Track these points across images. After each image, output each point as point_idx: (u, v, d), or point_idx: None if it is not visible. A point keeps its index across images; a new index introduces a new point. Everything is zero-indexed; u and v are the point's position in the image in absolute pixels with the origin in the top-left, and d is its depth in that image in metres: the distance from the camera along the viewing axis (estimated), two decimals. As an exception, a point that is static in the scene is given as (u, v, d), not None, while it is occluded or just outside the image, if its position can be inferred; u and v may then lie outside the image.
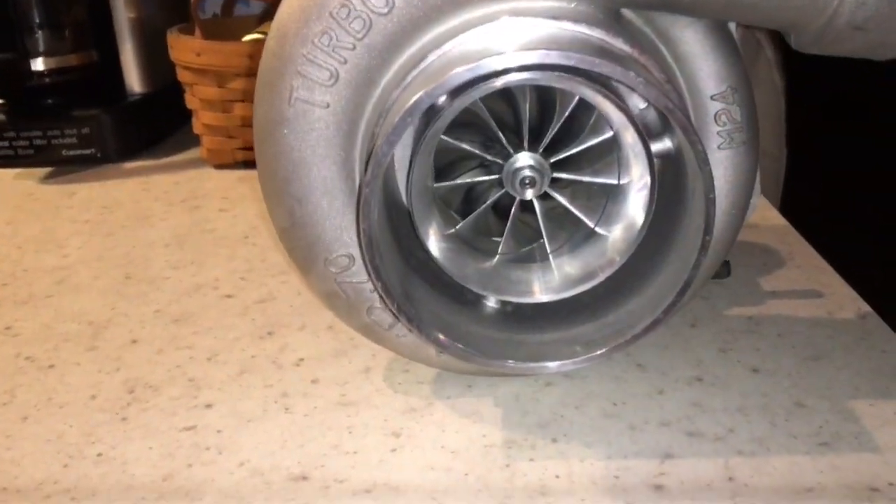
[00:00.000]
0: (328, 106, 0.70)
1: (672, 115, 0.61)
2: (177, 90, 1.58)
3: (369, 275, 0.67)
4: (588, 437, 0.77)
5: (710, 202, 0.63)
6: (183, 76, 1.53)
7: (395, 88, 0.68)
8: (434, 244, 0.75)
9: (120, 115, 1.59)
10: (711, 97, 0.75)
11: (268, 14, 1.69)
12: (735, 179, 0.77)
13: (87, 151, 1.56)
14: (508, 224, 0.75)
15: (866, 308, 0.98)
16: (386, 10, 0.66)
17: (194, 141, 1.60)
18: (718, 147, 0.76)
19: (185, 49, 1.47)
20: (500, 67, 0.60)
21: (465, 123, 0.75)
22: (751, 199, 0.80)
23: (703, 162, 0.62)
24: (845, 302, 1.00)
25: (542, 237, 0.77)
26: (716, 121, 0.75)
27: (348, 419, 0.81)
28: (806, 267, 1.09)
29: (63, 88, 1.56)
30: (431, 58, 0.66)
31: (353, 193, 0.73)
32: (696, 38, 0.73)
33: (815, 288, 1.03)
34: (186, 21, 1.61)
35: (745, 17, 0.68)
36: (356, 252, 0.74)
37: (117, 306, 1.06)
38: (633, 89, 0.61)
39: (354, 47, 0.68)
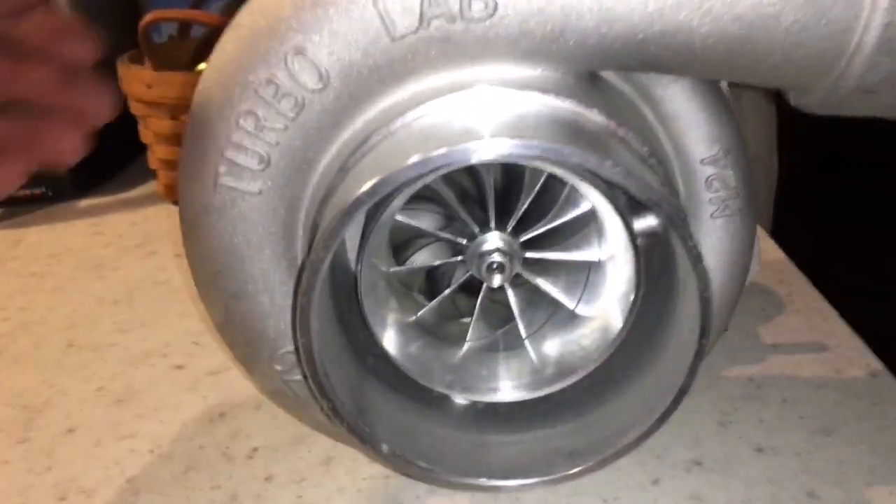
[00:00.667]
0: (260, 193, 0.60)
1: (658, 208, 0.51)
2: (132, 119, 1.47)
3: (312, 393, 0.58)
4: (575, 549, 0.68)
5: (706, 303, 0.54)
6: (135, 108, 1.42)
7: (336, 174, 0.58)
8: (392, 339, 0.66)
9: (70, 150, 1.48)
10: (701, 161, 0.65)
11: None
12: (731, 249, 0.68)
13: (38, 190, 1.46)
14: (476, 310, 0.66)
15: (876, 364, 0.90)
16: (320, 87, 0.56)
17: (152, 172, 1.50)
18: (711, 216, 0.66)
19: (135, 81, 1.36)
20: (457, 159, 0.50)
21: (424, 196, 0.66)
22: (749, 267, 0.71)
23: (696, 260, 0.53)
24: (853, 356, 0.91)
25: (509, 321, 0.68)
26: (707, 187, 0.66)
27: (305, 529, 0.72)
28: (806, 311, 1.00)
29: (7, 121, 1.45)
30: (377, 137, 0.57)
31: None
32: (683, 95, 0.63)
33: (819, 339, 0.94)
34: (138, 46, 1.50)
35: (740, 77, 0.59)
36: (304, 348, 0.65)
37: (56, 383, 0.96)
38: (609, 181, 0.51)
39: (286, 128, 0.58)
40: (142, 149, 1.52)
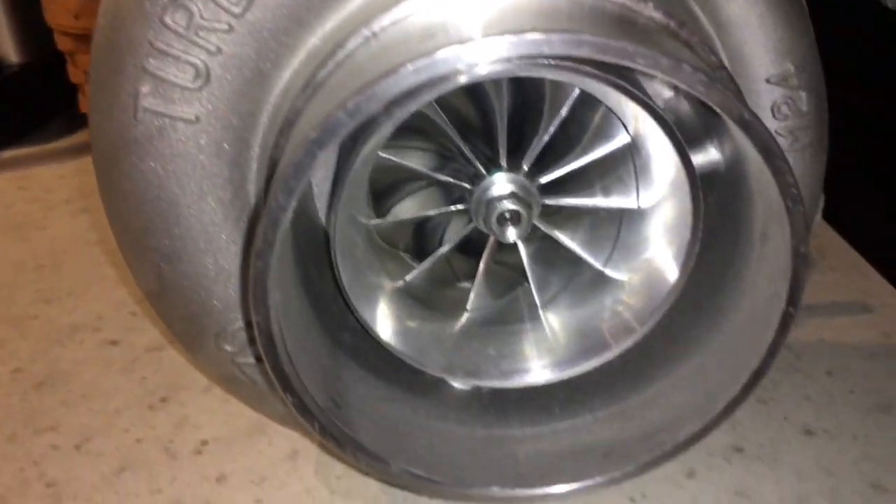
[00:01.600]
0: (197, 120, 0.45)
1: (749, 128, 0.37)
2: (60, 60, 1.29)
3: (275, 385, 0.43)
4: (602, 564, 0.55)
5: (800, 259, 0.41)
6: (61, 43, 1.24)
7: (301, 92, 0.43)
8: (375, 311, 0.51)
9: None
10: (768, 80, 0.51)
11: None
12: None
13: (-49, 140, 1.27)
14: (480, 273, 0.52)
15: (928, 325, 0.78)
16: (276, -33, 0.41)
17: (84, 121, 1.32)
18: (777, 151, 0.52)
19: (61, 11, 1.19)
20: (463, 64, 0.35)
21: (412, 129, 0.51)
22: (815, 217, 0.57)
23: (795, 201, 0.39)
24: (901, 318, 0.79)
25: (525, 281, 0.54)
26: (773, 113, 0.52)
27: (267, 545, 0.58)
28: (843, 269, 0.88)
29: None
30: (355, 42, 0.42)
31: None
32: (748, -5, 0.49)
33: (860, 299, 0.82)
34: (64, -28, 1.31)
35: None
36: (261, 323, 0.50)
37: (-37, 364, 0.80)
38: (682, 89, 0.37)
39: (231, 28, 0.42)
40: (72, 92, 1.34)
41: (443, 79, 0.37)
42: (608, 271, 0.53)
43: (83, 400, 0.74)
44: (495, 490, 0.48)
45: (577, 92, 0.46)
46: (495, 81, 0.48)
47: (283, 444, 0.67)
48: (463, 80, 0.38)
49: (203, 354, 0.53)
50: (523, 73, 0.41)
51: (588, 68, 0.41)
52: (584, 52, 0.35)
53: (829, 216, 0.93)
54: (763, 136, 0.37)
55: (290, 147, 0.40)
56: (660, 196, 0.49)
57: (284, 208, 0.38)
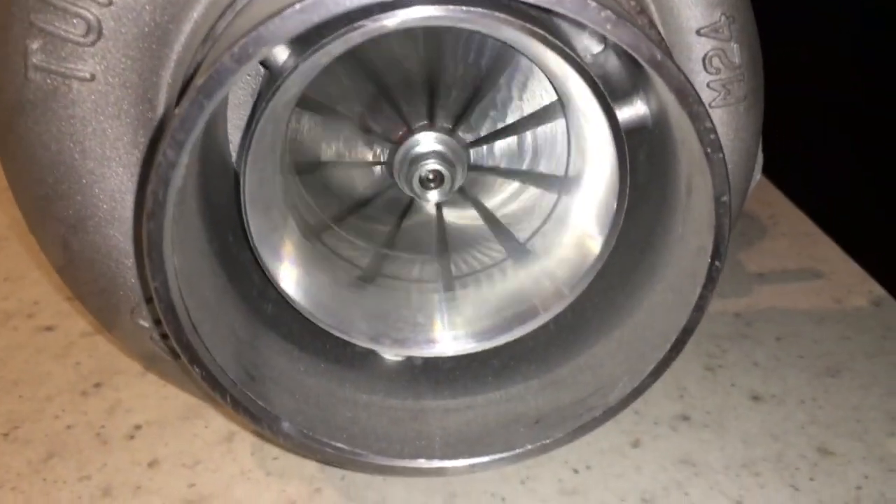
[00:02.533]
0: (92, 78, 0.42)
1: (662, 70, 0.36)
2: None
3: (178, 357, 0.41)
4: (543, 536, 0.53)
5: (722, 209, 0.39)
6: None
7: (202, 45, 0.41)
8: (294, 279, 0.49)
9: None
10: (698, 31, 0.49)
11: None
12: (732, 149, 0.52)
13: None
14: (401, 238, 0.50)
15: (878, 290, 0.77)
16: None
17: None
18: (709, 105, 0.51)
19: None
20: (355, 3, 0.33)
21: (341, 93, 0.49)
22: (753, 173, 0.56)
23: (714, 148, 0.37)
24: (852, 283, 0.78)
25: (450, 249, 0.52)
26: (705, 66, 0.50)
27: (197, 529, 0.56)
28: (794, 235, 0.87)
29: None
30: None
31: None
32: (675, -61, 0.47)
33: (811, 265, 0.81)
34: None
35: None
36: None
37: None
38: (595, 30, 0.35)
39: (121, -24, 0.40)
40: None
41: (335, 21, 0.34)
42: (534, 243, 0.51)
43: (14, 386, 0.71)
44: (422, 462, 0.46)
45: (492, 50, 0.44)
46: (423, 34, 0.45)
47: (220, 426, 0.65)
48: (370, 27, 0.36)
49: (120, 331, 0.51)
50: (421, 22, 0.39)
51: (500, 14, 0.39)
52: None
53: (779, 182, 0.92)
54: (676, 78, 0.36)
55: (180, 105, 0.38)
56: (589, 158, 0.48)
57: (174, 164, 0.35)
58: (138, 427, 0.66)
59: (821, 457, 0.59)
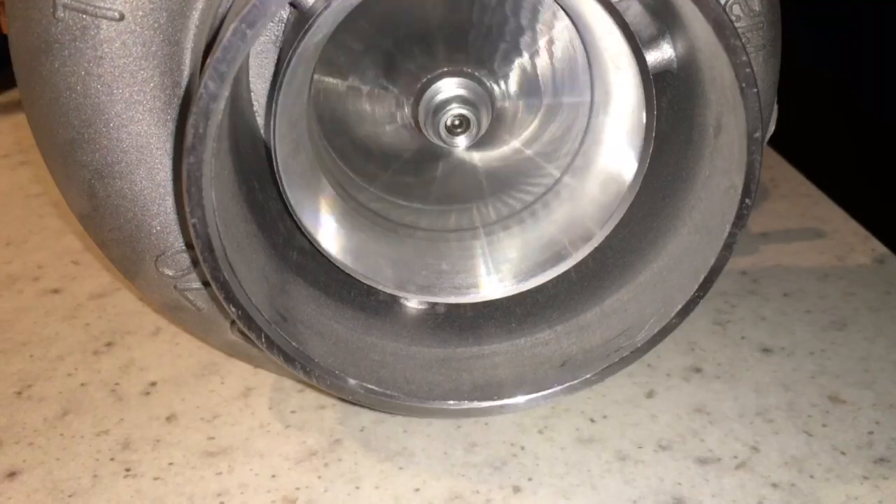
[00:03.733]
0: (121, 18, 0.42)
1: (700, 2, 0.36)
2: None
3: (217, 295, 0.41)
4: (563, 481, 0.54)
5: (755, 145, 0.39)
6: (-8, -8, 1.18)
7: (233, -18, 0.41)
8: (323, 227, 0.49)
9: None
10: (720, -22, 0.50)
11: None
12: (750, 99, 0.53)
13: None
14: (429, 187, 0.50)
15: (881, 248, 0.78)
16: None
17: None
18: (730, 53, 0.51)
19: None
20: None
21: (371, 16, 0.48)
22: (770, 122, 0.56)
23: (749, 82, 0.38)
24: (854, 241, 0.80)
25: (477, 197, 0.52)
26: (726, 14, 0.51)
27: (219, 480, 0.56)
28: (794, 196, 0.88)
29: None
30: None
31: (186, 157, 0.46)
32: None
33: (813, 225, 0.82)
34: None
35: None
36: (203, 245, 0.48)
37: None
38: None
39: (153, -89, 0.40)
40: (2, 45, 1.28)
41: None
42: (568, 178, 0.51)
43: (23, 347, 0.71)
44: (451, 403, 0.46)
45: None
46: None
47: (236, 382, 0.65)
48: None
49: (143, 280, 0.51)
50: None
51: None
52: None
53: (780, 146, 0.93)
54: (715, 10, 0.36)
55: (218, 41, 0.38)
56: (612, 98, 0.48)
57: (216, 96, 0.35)
58: (153, 384, 0.66)
59: (832, 404, 0.60)
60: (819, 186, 0.89)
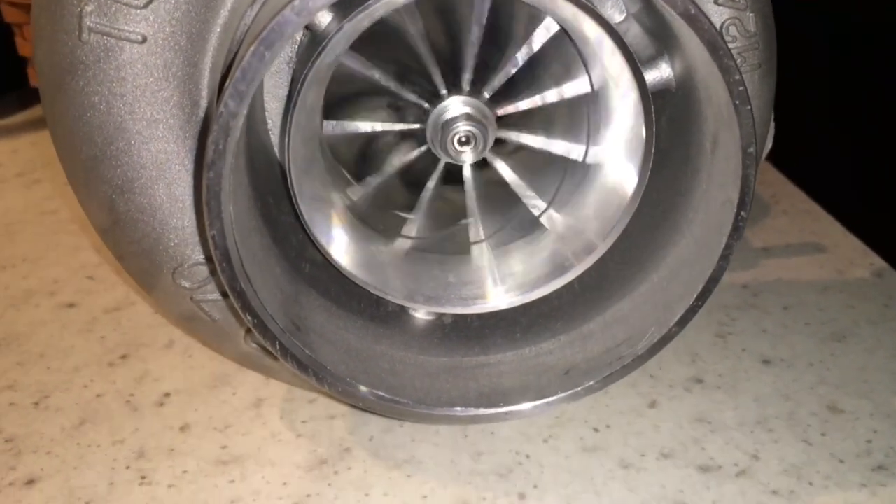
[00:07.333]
0: (144, 40, 0.44)
1: (695, 23, 0.38)
2: (8, 33, 1.26)
3: (234, 306, 0.43)
4: (567, 489, 0.55)
5: (749, 160, 0.41)
6: (9, 15, 1.21)
7: (249, 8, 0.43)
8: (333, 240, 0.51)
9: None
10: (716, 1, 0.52)
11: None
12: (748, 116, 0.55)
13: None
14: (427, 197, 0.52)
15: (879, 262, 0.80)
16: None
17: (35, 96, 1.29)
18: (727, 72, 0.53)
19: (5, -22, 1.16)
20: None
21: (379, 40, 0.50)
22: (766, 140, 0.58)
23: (742, 99, 0.39)
24: (853, 256, 0.81)
25: (487, 212, 0.54)
26: (722, 35, 0.53)
27: (232, 487, 0.57)
28: (794, 212, 0.90)
29: None
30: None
31: (203, 172, 0.48)
32: None
33: (813, 240, 0.84)
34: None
35: None
36: (218, 258, 0.50)
37: (-84, 330, 0.78)
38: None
39: (176, -60, 0.42)
40: (22, 65, 1.31)
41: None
42: (567, 193, 0.53)
43: (41, 359, 0.73)
44: (458, 410, 0.48)
45: (549, 24, 0.46)
46: (470, 3, 0.47)
47: (248, 393, 0.67)
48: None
49: (160, 291, 0.53)
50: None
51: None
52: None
53: (780, 163, 0.95)
54: (709, 31, 0.38)
55: (238, 61, 0.40)
56: (615, 115, 0.50)
57: (235, 115, 0.37)
58: (167, 395, 0.67)
59: (831, 414, 0.61)
60: (819, 203, 0.90)
